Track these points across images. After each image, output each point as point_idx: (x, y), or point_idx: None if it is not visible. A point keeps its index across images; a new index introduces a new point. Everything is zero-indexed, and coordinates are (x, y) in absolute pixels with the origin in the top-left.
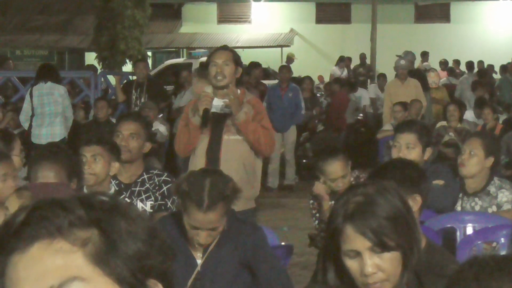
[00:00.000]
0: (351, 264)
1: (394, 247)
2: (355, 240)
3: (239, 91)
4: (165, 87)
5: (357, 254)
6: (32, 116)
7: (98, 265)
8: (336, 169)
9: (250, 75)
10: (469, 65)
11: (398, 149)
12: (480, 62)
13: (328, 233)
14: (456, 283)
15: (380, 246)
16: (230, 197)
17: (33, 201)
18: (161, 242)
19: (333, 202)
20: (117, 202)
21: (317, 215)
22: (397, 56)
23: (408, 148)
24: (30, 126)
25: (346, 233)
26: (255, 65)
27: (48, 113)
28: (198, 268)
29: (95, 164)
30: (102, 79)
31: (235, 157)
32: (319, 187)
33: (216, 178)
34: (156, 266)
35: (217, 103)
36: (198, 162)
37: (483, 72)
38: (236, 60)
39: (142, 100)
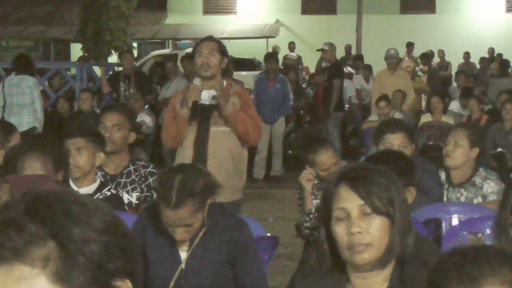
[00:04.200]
0: (339, 227)
1: (384, 212)
2: (347, 197)
3: (225, 82)
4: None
5: (346, 215)
6: (4, 106)
7: (61, 283)
8: (327, 158)
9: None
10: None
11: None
12: (466, 54)
13: (322, 199)
14: (437, 273)
15: (371, 206)
16: (200, 193)
17: None
18: (121, 238)
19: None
20: (66, 207)
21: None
22: (317, 50)
23: (402, 148)
24: (3, 116)
25: (338, 192)
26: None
27: (16, 103)
28: (183, 263)
29: (79, 156)
30: (88, 71)
31: (223, 148)
32: (305, 179)
33: (188, 174)
34: (119, 267)
35: (205, 95)
36: (186, 154)
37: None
38: (222, 50)
39: (131, 91)
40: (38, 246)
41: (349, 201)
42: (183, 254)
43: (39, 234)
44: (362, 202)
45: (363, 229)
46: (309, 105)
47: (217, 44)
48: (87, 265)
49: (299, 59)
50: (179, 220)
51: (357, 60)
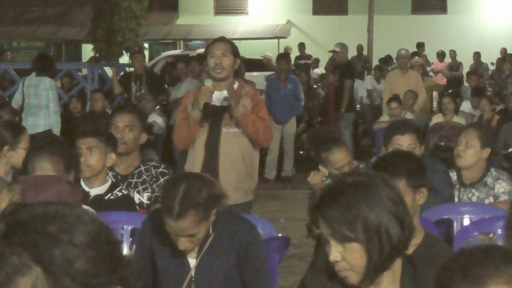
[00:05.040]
0: (327, 249)
1: (353, 238)
2: (322, 225)
3: (237, 83)
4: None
5: (327, 240)
6: (23, 106)
7: None
8: (341, 157)
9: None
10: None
11: None
12: (476, 54)
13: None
14: (444, 273)
15: (338, 235)
16: (204, 204)
17: None
18: (107, 248)
19: None
20: (45, 228)
21: None
22: (330, 52)
23: (411, 149)
24: (20, 116)
25: (318, 218)
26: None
27: (33, 104)
28: (192, 271)
29: (90, 156)
30: (100, 71)
31: (234, 149)
32: (315, 177)
33: (191, 184)
34: (107, 279)
35: (216, 96)
36: (197, 155)
37: None
38: (235, 51)
39: (143, 92)
40: (23, 275)
41: (323, 229)
42: (192, 261)
43: (22, 263)
44: (330, 231)
45: (340, 257)
46: (320, 106)
47: (230, 45)
48: (74, 286)
49: (310, 58)
50: (181, 230)
51: (366, 63)
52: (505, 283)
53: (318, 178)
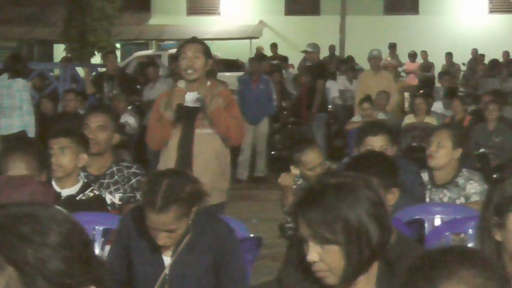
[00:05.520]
0: (305, 249)
1: (333, 240)
2: (301, 225)
3: (209, 83)
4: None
5: (305, 240)
6: None
7: None
8: (314, 158)
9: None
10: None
11: None
12: (448, 54)
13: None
14: (404, 275)
15: (318, 237)
16: (186, 200)
17: None
18: (81, 248)
19: None
20: (17, 228)
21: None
22: (302, 52)
23: (383, 150)
24: None
25: (298, 217)
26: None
27: (6, 106)
28: (166, 269)
29: (62, 156)
30: (72, 71)
31: (208, 150)
32: (285, 178)
33: (175, 179)
34: (82, 279)
35: (189, 97)
36: (170, 155)
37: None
38: (206, 52)
39: (115, 92)
40: None
41: (303, 229)
42: (167, 259)
43: None
44: (310, 232)
45: (318, 258)
46: (293, 106)
47: (201, 46)
48: (48, 286)
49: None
50: (162, 224)
51: (342, 64)
52: (457, 284)
53: (288, 179)
